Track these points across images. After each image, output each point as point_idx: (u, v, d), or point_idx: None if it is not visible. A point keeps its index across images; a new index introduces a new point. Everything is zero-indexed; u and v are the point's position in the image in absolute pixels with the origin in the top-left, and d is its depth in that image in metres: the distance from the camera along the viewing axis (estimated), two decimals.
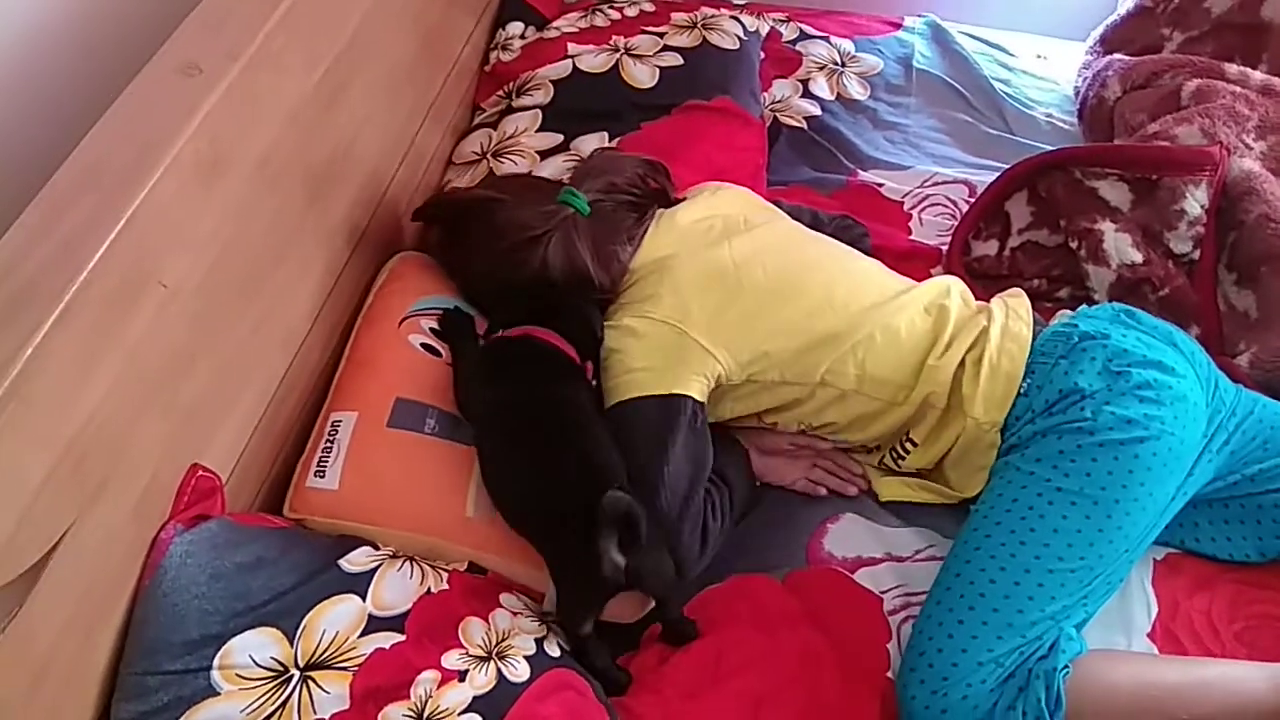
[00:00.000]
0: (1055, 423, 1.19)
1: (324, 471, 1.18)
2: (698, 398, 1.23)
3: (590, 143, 1.62)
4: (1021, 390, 1.24)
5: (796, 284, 1.30)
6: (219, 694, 0.95)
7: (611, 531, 1.05)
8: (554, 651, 1.11)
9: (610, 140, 1.63)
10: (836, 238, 1.44)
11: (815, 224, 1.48)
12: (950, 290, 1.34)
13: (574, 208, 1.30)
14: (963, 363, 1.27)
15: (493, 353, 1.27)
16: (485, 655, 1.06)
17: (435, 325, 1.33)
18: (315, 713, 0.96)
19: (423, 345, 1.30)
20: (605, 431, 1.19)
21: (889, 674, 1.18)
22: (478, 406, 1.23)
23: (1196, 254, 1.54)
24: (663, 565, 1.13)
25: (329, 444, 1.20)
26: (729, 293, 1.27)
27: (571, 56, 1.75)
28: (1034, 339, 1.28)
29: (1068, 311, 1.36)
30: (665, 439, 1.20)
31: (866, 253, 1.46)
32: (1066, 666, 1.10)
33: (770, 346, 1.26)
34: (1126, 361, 1.20)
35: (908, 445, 1.31)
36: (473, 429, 1.24)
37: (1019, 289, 1.39)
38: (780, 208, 1.48)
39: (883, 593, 1.25)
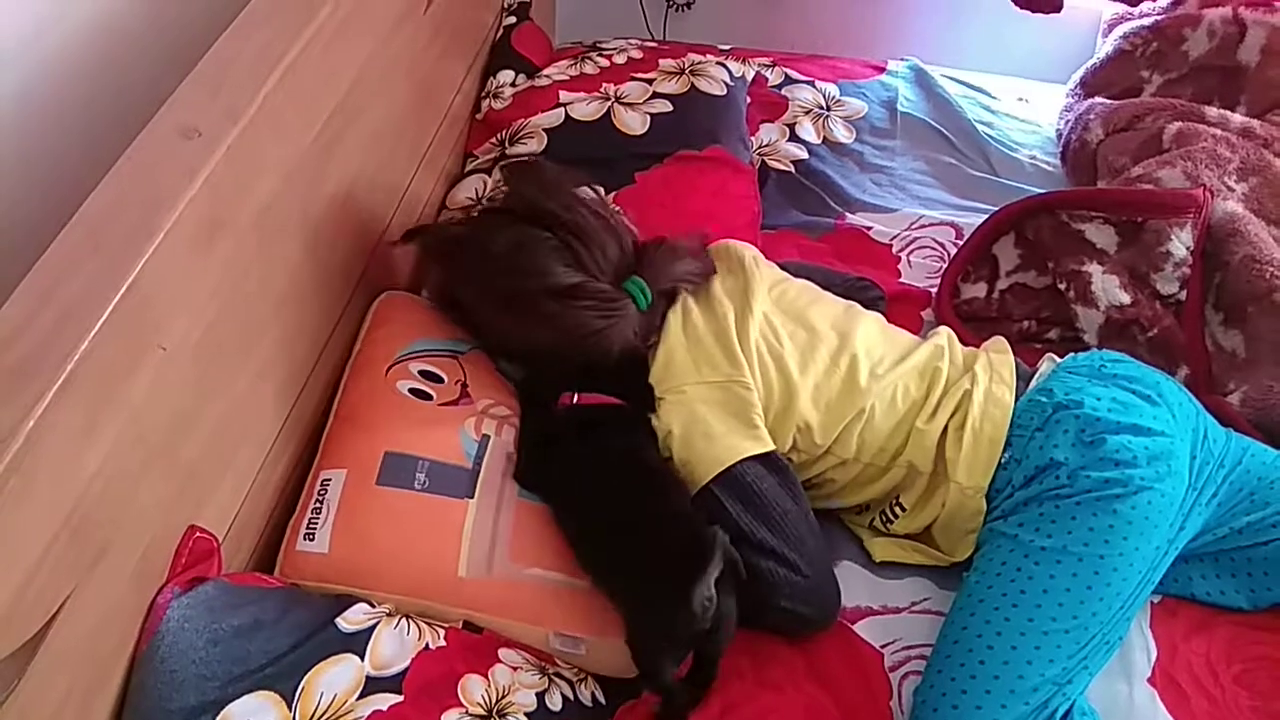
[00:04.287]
0: (1035, 492, 1.20)
1: (313, 534, 1.17)
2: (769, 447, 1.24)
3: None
4: (1001, 462, 1.25)
5: (806, 358, 1.30)
6: None
7: (719, 565, 1.06)
8: (556, 705, 1.11)
9: (606, 195, 1.63)
10: (849, 298, 1.44)
11: (827, 284, 1.46)
12: (944, 352, 1.34)
13: (635, 303, 1.28)
14: (945, 428, 1.27)
15: (579, 415, 1.27)
16: (485, 714, 1.05)
17: (426, 368, 1.32)
18: None
19: (411, 391, 1.29)
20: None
21: None
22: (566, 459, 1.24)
23: (1183, 295, 1.56)
24: (734, 615, 1.13)
25: (318, 505, 1.19)
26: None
27: (564, 104, 1.76)
28: (1017, 398, 1.28)
29: (1054, 358, 1.36)
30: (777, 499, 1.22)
31: (884, 316, 1.44)
32: None
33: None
34: (1099, 430, 1.20)
35: (896, 510, 1.31)
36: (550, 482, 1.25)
37: (1003, 340, 1.40)
38: (789, 267, 1.47)
39: (882, 647, 1.25)
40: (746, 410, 1.24)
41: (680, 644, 1.11)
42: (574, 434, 1.25)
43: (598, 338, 1.25)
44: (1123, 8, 1.99)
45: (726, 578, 1.10)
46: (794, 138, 1.91)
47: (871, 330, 1.37)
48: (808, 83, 2.02)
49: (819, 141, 1.92)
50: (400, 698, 1.02)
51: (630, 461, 1.22)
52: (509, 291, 1.28)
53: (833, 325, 1.35)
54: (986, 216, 1.71)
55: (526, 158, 1.66)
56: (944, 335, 1.39)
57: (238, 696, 0.97)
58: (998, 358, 1.34)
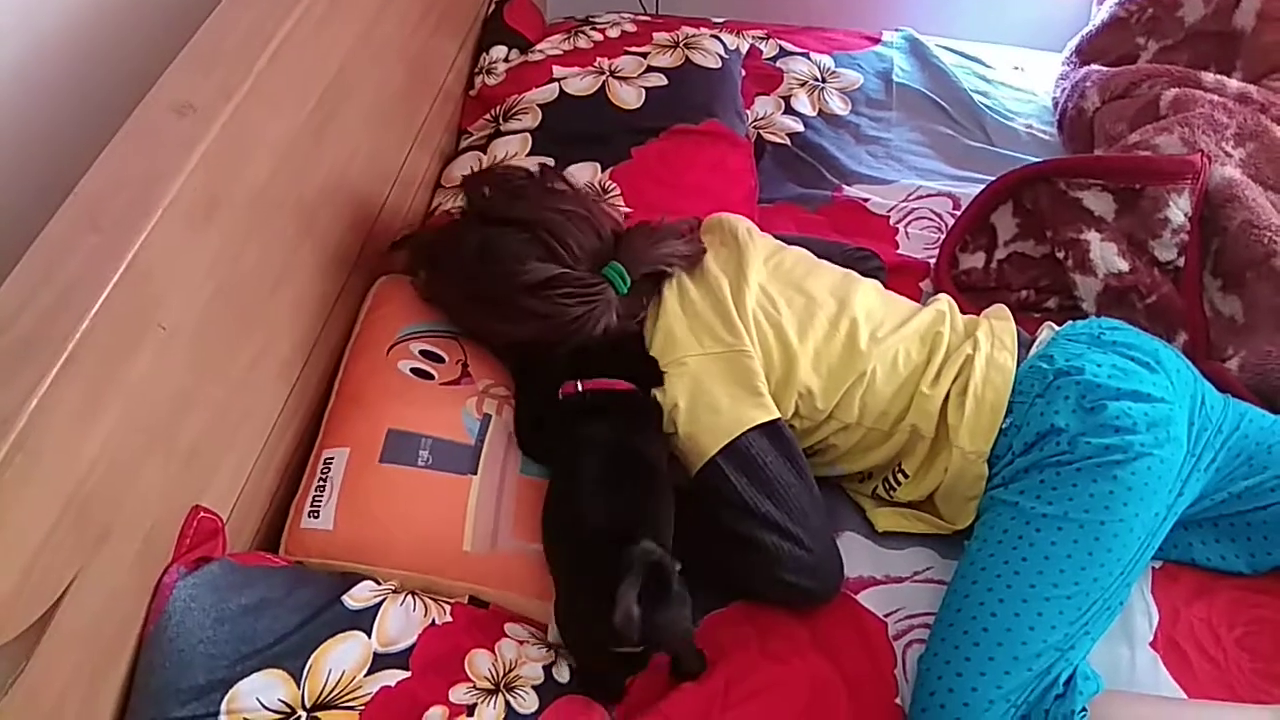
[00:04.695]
0: (1035, 459, 1.20)
1: (318, 511, 1.17)
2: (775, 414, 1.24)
3: (583, 174, 1.61)
4: (1002, 428, 1.25)
5: (804, 324, 1.30)
6: None
7: (636, 581, 1.03)
8: (563, 678, 1.12)
9: (603, 171, 1.63)
10: (849, 268, 1.43)
11: (825, 255, 1.45)
12: (946, 318, 1.35)
13: (614, 287, 1.27)
14: (948, 393, 1.28)
15: (585, 403, 1.25)
16: (493, 687, 1.06)
17: (427, 348, 1.32)
18: None
19: (412, 370, 1.29)
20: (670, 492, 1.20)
21: (897, 700, 1.18)
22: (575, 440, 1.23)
23: (1181, 261, 1.56)
24: (678, 623, 1.10)
25: (322, 482, 1.19)
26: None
27: (558, 79, 1.75)
28: (1018, 364, 1.28)
29: (1053, 326, 1.36)
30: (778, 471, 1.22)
31: (884, 286, 1.44)
32: (1085, 709, 1.11)
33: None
34: (1099, 396, 1.20)
35: (899, 476, 1.32)
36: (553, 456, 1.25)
37: (1004, 307, 1.40)
38: (787, 239, 1.46)
39: (885, 616, 1.25)
40: (750, 378, 1.24)
41: (600, 648, 1.09)
42: (571, 420, 1.24)
43: (578, 324, 1.25)
44: None
45: (668, 593, 1.07)
46: (789, 110, 1.91)
47: (871, 296, 1.37)
48: (802, 55, 2.01)
49: (815, 114, 1.91)
50: (408, 673, 1.03)
51: (614, 456, 1.19)
52: (486, 292, 1.29)
53: (831, 291, 1.35)
54: (984, 186, 1.70)
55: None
56: (944, 301, 1.39)
57: (246, 675, 0.98)
58: (999, 324, 1.35)
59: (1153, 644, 1.22)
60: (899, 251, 1.70)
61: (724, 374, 1.25)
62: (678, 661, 1.16)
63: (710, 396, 1.24)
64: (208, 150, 0.99)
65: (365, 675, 1.01)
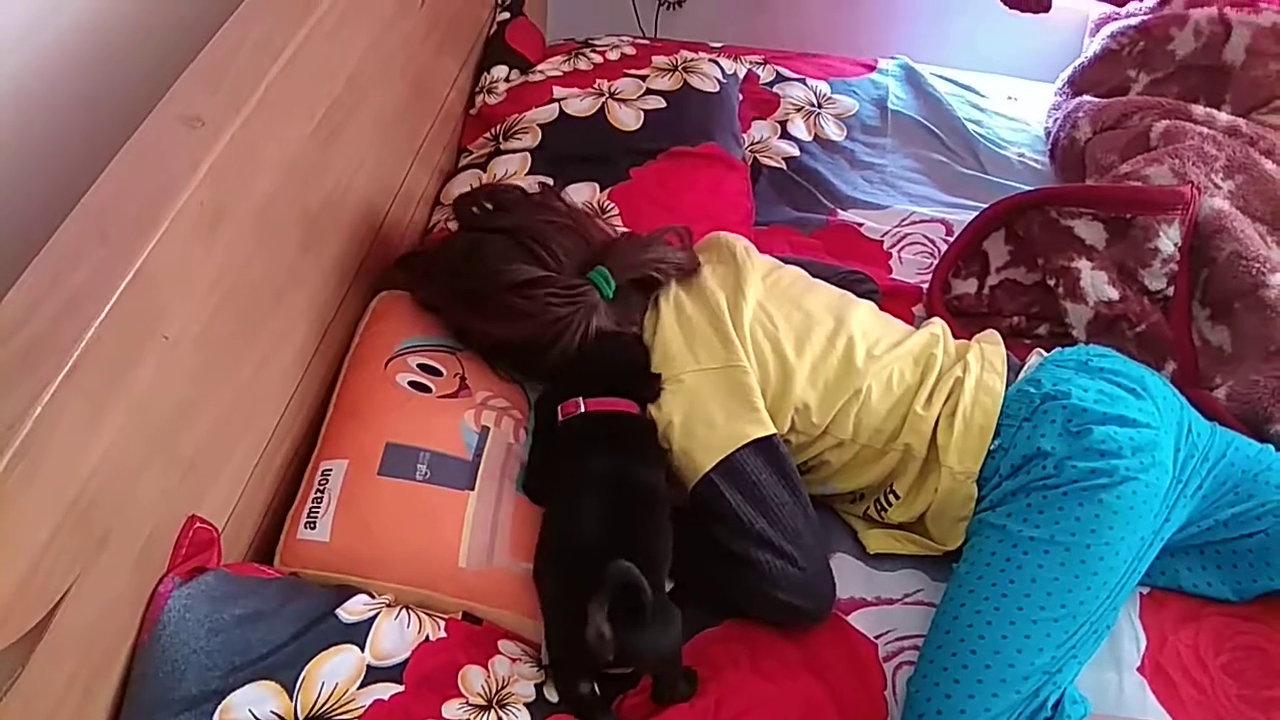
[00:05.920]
0: (1022, 482, 1.22)
1: (314, 523, 1.17)
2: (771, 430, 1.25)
3: (582, 193, 1.63)
4: (990, 450, 1.26)
5: (802, 339, 1.31)
6: None
7: (604, 599, 1.03)
8: (554, 697, 1.12)
9: (601, 191, 1.64)
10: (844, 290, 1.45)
11: (820, 277, 1.47)
12: (939, 340, 1.36)
13: (599, 291, 1.30)
14: (939, 414, 1.29)
15: (586, 427, 1.25)
16: (485, 704, 1.06)
17: (425, 361, 1.32)
18: None
19: (410, 384, 1.30)
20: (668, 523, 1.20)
21: None
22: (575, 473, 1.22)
23: (1171, 290, 1.58)
24: (658, 644, 1.10)
25: (319, 494, 1.19)
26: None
27: (558, 100, 1.77)
28: (1007, 388, 1.30)
29: (1042, 351, 1.38)
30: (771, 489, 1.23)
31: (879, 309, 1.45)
32: None
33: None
34: (1085, 420, 1.22)
35: (890, 497, 1.33)
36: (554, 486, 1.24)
37: (995, 333, 1.42)
38: (782, 260, 1.47)
39: (876, 638, 1.26)
40: (747, 394, 1.25)
41: (580, 670, 1.10)
42: (571, 451, 1.24)
43: (563, 325, 1.27)
44: (1110, 8, 2.02)
45: (642, 614, 1.06)
46: (786, 135, 1.92)
47: (867, 315, 1.38)
48: (799, 80, 2.03)
49: (810, 139, 1.93)
50: (401, 688, 1.03)
51: (615, 491, 1.19)
52: (472, 289, 1.31)
53: (828, 309, 1.36)
54: (977, 213, 1.72)
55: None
56: (938, 324, 1.41)
57: (239, 686, 0.98)
58: (989, 348, 1.36)
59: (1140, 669, 1.23)
60: (892, 276, 1.71)
61: (720, 390, 1.26)
62: (659, 684, 1.16)
63: (706, 412, 1.25)
64: (215, 162, 1.00)
65: (358, 688, 1.01)
